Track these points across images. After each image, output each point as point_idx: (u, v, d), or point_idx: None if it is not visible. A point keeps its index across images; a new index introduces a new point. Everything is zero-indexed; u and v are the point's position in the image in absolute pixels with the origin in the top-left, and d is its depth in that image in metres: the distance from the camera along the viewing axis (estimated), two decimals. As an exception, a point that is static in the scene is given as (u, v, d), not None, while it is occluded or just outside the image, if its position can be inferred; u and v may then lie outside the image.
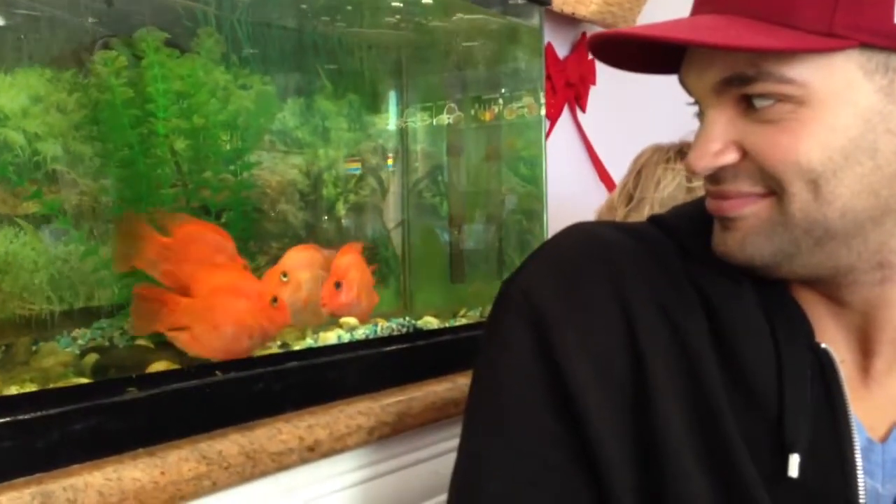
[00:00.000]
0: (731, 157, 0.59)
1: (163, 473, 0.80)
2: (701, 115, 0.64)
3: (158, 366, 0.97)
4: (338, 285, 1.09)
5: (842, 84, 0.54)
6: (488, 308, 1.41)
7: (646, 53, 0.63)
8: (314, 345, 1.09)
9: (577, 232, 0.71)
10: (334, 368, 1.05)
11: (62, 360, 1.01)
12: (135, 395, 0.83)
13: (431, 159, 1.64)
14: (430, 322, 1.29)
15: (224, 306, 0.93)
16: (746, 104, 0.57)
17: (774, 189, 0.57)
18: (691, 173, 0.62)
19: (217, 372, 0.92)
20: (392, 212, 1.52)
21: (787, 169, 0.56)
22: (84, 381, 0.89)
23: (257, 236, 1.27)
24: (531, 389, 0.65)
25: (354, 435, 1.00)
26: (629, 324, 0.64)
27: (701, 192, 1.52)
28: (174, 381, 0.88)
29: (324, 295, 1.08)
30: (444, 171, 1.61)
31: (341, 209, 1.42)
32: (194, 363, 0.97)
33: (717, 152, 0.59)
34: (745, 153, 0.58)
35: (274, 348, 1.06)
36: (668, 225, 0.71)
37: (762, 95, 0.55)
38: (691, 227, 0.69)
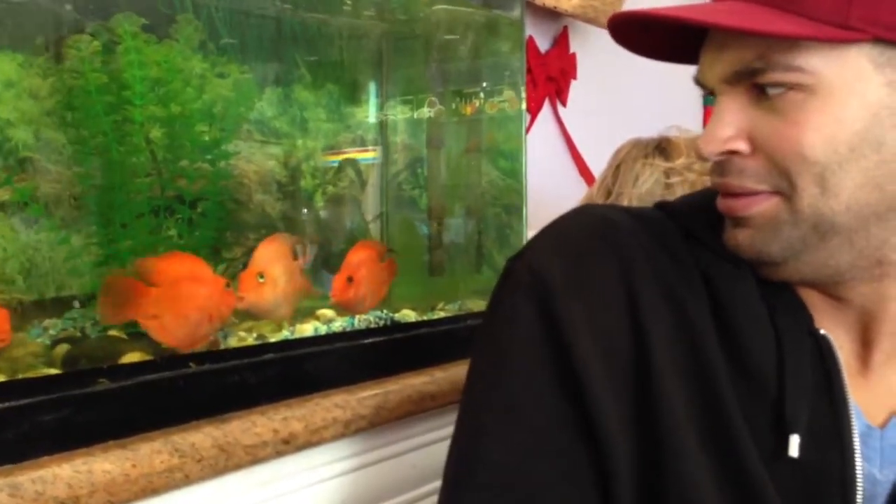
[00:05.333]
0: (740, 145, 0.60)
1: (134, 466, 0.78)
2: (712, 104, 0.64)
3: (131, 357, 0.96)
4: (350, 280, 1.12)
5: (852, 76, 0.54)
6: (467, 302, 1.40)
7: (665, 40, 0.64)
8: (290, 337, 1.07)
9: (584, 213, 0.71)
10: (311, 361, 1.04)
11: (32, 351, 0.99)
12: (106, 386, 0.82)
13: (411, 152, 1.63)
14: (408, 315, 1.28)
15: (187, 294, 0.94)
16: (759, 92, 0.58)
17: (782, 188, 0.58)
18: (699, 158, 0.62)
19: (191, 363, 0.90)
20: (371, 204, 1.51)
21: (794, 162, 0.56)
22: (54, 371, 0.87)
23: (234, 227, 1.25)
24: (536, 364, 0.65)
25: (331, 428, 0.99)
26: (634, 302, 0.64)
27: (679, 190, 1.53)
28: (146, 373, 0.86)
29: (334, 287, 1.12)
30: (423, 164, 1.60)
31: (319, 200, 1.41)
32: (166, 353, 0.96)
33: (728, 138, 0.60)
34: (754, 147, 0.59)
35: (249, 340, 1.05)
36: (674, 209, 0.72)
37: (774, 84, 0.56)
38: (697, 212, 0.70)
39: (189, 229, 1.11)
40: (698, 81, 0.66)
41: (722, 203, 0.63)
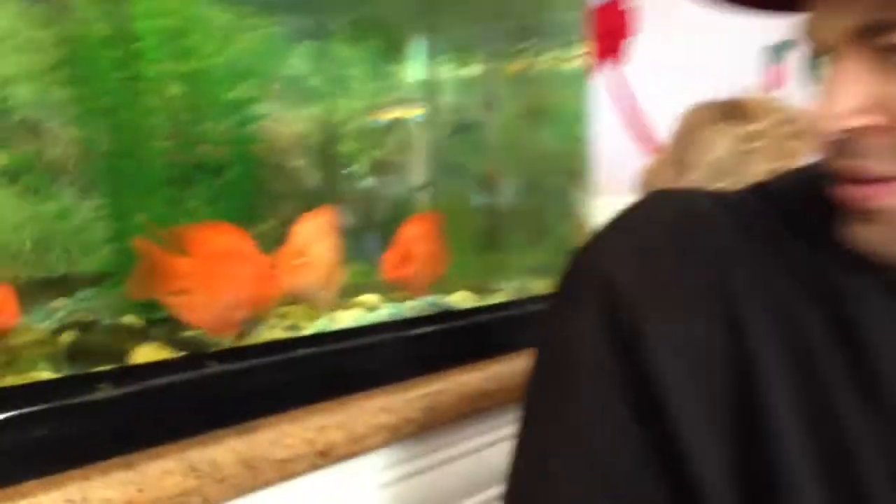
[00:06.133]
0: (868, 119, 0.48)
1: (140, 491, 0.65)
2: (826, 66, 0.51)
3: (144, 351, 0.83)
4: (406, 256, 1.03)
5: None
6: (527, 281, 1.24)
7: None
8: (327, 328, 0.93)
9: (665, 201, 0.60)
10: (352, 356, 0.90)
11: (34, 338, 0.86)
12: (108, 393, 0.68)
13: (463, 114, 1.46)
14: (463, 299, 1.13)
15: (225, 270, 0.82)
16: (891, 54, 0.47)
17: None
18: (816, 137, 0.47)
19: (210, 362, 0.76)
20: (418, 171, 1.35)
21: None
22: (46, 375, 0.73)
23: (266, 198, 1.11)
24: (607, 389, 0.55)
25: (375, 436, 0.85)
26: (733, 318, 0.53)
27: (757, 158, 1.35)
28: (157, 375, 0.73)
29: (387, 262, 1.02)
30: (477, 127, 1.43)
31: (361, 167, 1.26)
32: (186, 343, 0.82)
33: (853, 111, 0.48)
34: (887, 122, 0.48)
35: (278, 331, 0.90)
36: (775, 196, 0.60)
37: None
38: (803, 198, 0.58)
39: (211, 201, 0.97)
40: (806, 38, 0.52)
41: (841, 192, 0.51)
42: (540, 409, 0.60)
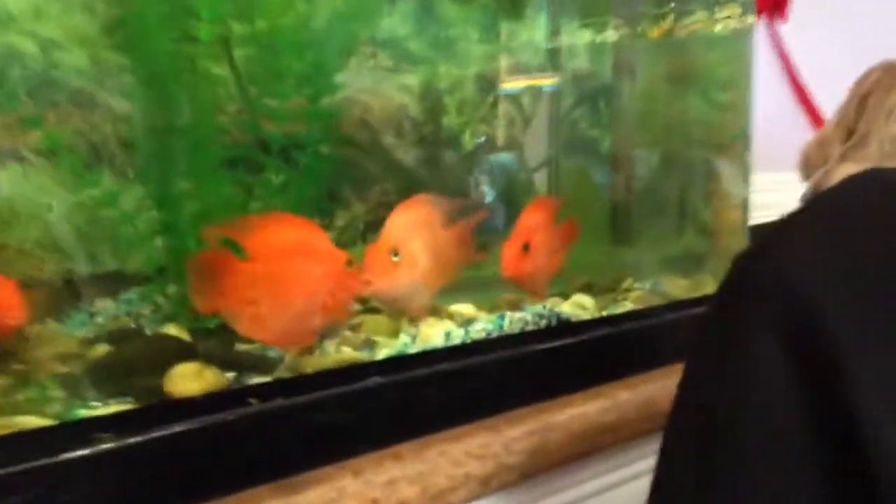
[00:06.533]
0: None
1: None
2: None
3: (184, 370, 0.68)
4: (525, 248, 0.87)
5: None
6: (663, 281, 1.02)
7: None
8: (405, 349, 0.75)
9: (875, 186, 0.50)
10: (434, 385, 0.72)
11: (61, 351, 0.74)
12: (108, 445, 0.53)
13: (591, 80, 1.25)
14: (582, 306, 0.93)
15: (294, 272, 0.67)
16: None
17: None
18: None
19: (252, 400, 0.60)
20: (536, 147, 1.15)
21: None
22: (37, 422, 0.59)
23: (350, 183, 0.94)
24: (792, 433, 0.44)
25: (461, 489, 0.68)
26: None
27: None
28: (182, 419, 0.57)
29: (506, 258, 0.87)
30: (608, 96, 1.22)
31: (468, 144, 1.07)
32: (237, 365, 0.68)
33: None
34: None
35: (348, 351, 0.73)
36: None
37: None
38: None
39: (281, 188, 0.82)
40: None
41: None
42: (690, 445, 0.49)
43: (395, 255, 0.79)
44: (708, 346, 0.51)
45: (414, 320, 0.84)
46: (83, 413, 0.62)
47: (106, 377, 0.69)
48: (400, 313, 0.85)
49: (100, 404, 0.65)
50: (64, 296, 0.82)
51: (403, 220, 0.84)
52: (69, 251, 0.81)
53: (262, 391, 0.63)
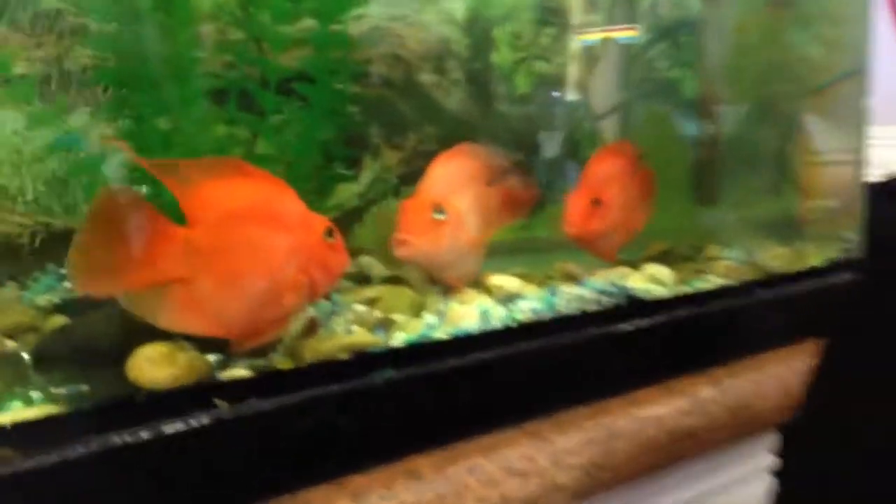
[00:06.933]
0: None
1: None
2: None
3: (148, 352, 0.54)
4: (596, 203, 0.77)
5: None
6: (756, 249, 0.84)
7: None
8: (432, 332, 0.59)
9: None
10: (465, 379, 0.56)
11: (16, 322, 0.61)
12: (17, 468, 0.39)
13: (672, 12, 1.06)
14: (657, 280, 0.76)
15: (247, 244, 0.52)
16: None
17: None
18: None
19: (217, 401, 0.46)
20: (604, 91, 0.97)
21: None
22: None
23: (381, 126, 0.79)
24: None
25: (493, 516, 0.53)
26: None
27: None
28: (129, 427, 0.43)
29: (571, 213, 0.76)
30: (692, 31, 1.02)
31: (522, 84, 0.90)
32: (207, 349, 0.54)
33: None
34: None
35: (361, 334, 0.58)
36: None
37: None
38: None
39: (277, 129, 0.66)
40: None
41: None
42: None
43: (439, 212, 0.67)
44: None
45: (452, 292, 0.68)
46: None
47: (66, 357, 0.56)
48: (440, 282, 0.70)
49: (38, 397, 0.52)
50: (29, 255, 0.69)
51: (449, 172, 0.72)
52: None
53: (236, 388, 0.48)
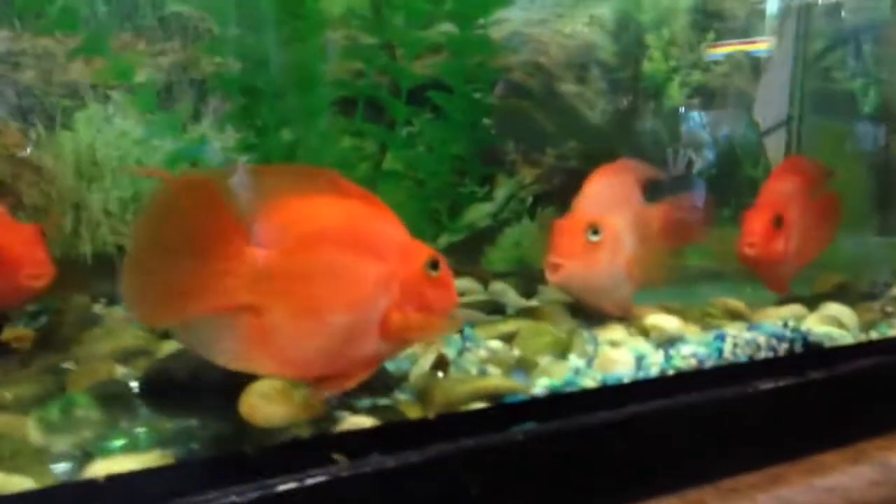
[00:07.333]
0: None
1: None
2: None
3: (263, 387, 0.50)
4: (779, 223, 0.69)
5: None
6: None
7: None
8: (578, 379, 0.51)
9: None
10: (615, 436, 0.48)
11: (127, 345, 0.57)
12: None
13: (851, 18, 0.94)
14: (838, 322, 0.65)
15: (330, 272, 0.44)
16: None
17: None
18: None
19: (336, 456, 0.40)
20: (770, 103, 0.86)
21: None
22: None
23: (517, 139, 0.72)
24: None
25: None
26: None
27: None
28: (237, 485, 0.37)
29: (752, 232, 0.68)
30: (876, 34, 0.91)
31: (675, 95, 0.81)
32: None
33: None
34: None
35: (497, 378, 0.51)
36: None
37: None
38: None
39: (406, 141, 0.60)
40: None
41: None
42: None
43: (595, 233, 0.61)
44: None
45: (603, 324, 0.60)
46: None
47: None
48: (594, 310, 0.63)
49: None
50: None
51: (604, 189, 0.65)
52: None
53: (352, 444, 0.41)
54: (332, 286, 0.44)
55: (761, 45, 0.88)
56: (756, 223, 0.66)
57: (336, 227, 0.45)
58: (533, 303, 0.71)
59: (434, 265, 0.47)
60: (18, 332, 0.60)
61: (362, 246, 0.45)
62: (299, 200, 0.44)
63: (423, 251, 0.47)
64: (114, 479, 0.38)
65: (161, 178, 0.41)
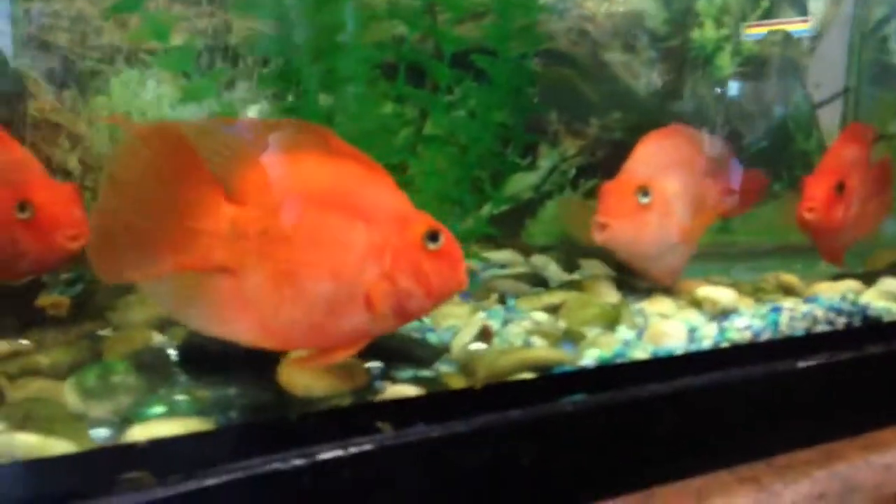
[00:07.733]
0: None
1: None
2: None
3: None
4: (840, 189, 0.67)
5: None
6: None
7: None
8: (628, 350, 0.49)
9: None
10: (666, 409, 0.46)
11: (157, 314, 0.57)
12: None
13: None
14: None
15: (312, 234, 0.41)
16: None
17: None
18: None
19: (381, 424, 0.38)
20: (824, 73, 0.83)
21: None
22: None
23: (561, 109, 0.70)
24: None
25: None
26: None
27: None
28: (279, 451, 0.36)
29: (813, 197, 0.66)
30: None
31: (725, 64, 0.78)
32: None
33: None
34: None
35: (543, 349, 0.49)
36: None
37: None
38: None
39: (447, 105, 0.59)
40: None
41: None
42: None
43: (645, 195, 0.60)
44: None
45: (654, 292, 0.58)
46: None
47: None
48: (643, 276, 0.61)
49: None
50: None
51: (656, 152, 0.63)
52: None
53: (396, 411, 0.40)
54: (315, 250, 0.41)
55: (764, 30, 0.85)
56: (818, 188, 0.64)
57: (323, 187, 0.42)
58: (575, 276, 0.69)
59: (433, 237, 0.43)
60: (55, 299, 0.59)
61: (351, 209, 0.42)
62: (284, 156, 0.41)
63: (422, 220, 0.44)
64: (156, 444, 0.37)
65: (129, 127, 0.39)
